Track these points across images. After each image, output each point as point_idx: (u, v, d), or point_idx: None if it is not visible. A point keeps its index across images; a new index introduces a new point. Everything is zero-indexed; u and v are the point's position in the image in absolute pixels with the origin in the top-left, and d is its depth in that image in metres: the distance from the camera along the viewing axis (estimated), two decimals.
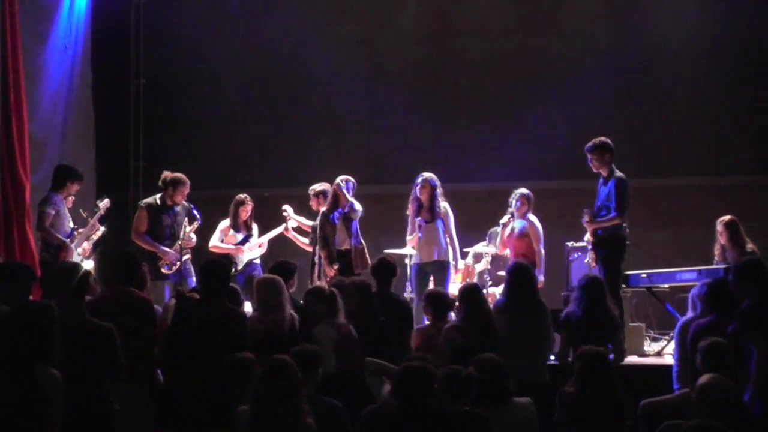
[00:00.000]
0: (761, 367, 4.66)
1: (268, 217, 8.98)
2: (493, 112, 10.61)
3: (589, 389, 4.74)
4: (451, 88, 10.77)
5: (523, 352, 5.76)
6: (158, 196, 8.09)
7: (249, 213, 8.64)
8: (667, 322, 7.97)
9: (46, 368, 3.96)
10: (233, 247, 8.55)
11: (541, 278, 7.95)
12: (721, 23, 10.14)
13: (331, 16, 11.03)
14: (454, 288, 7.64)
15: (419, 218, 8.03)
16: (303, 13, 11.01)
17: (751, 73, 10.12)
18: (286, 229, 8.79)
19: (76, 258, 7.67)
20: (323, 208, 8.20)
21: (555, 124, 10.34)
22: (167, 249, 7.90)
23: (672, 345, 6.74)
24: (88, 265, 7.63)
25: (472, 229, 8.95)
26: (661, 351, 7.64)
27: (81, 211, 8.15)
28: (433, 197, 8.04)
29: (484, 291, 7.26)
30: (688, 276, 7.73)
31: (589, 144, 7.58)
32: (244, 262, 8.55)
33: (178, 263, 7.85)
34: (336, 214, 8.07)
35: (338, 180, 8.11)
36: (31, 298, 5.21)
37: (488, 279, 8.46)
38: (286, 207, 8.83)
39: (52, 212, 7.70)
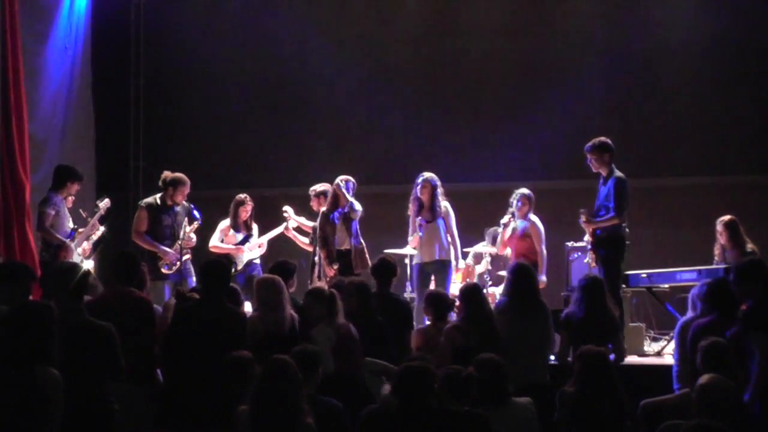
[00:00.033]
0: (763, 368, 4.65)
1: (268, 217, 8.97)
2: (493, 112, 10.61)
3: (589, 389, 4.74)
4: (451, 88, 10.76)
5: (525, 352, 5.77)
6: (158, 196, 8.09)
7: (249, 213, 8.64)
8: (667, 322, 7.97)
9: (46, 368, 3.97)
10: (233, 247, 8.55)
11: (543, 278, 7.96)
12: (721, 23, 10.14)
13: (331, 16, 11.03)
14: (455, 288, 7.64)
15: (420, 218, 8.04)
16: (303, 13, 11.01)
17: (751, 73, 10.11)
18: (287, 228, 8.79)
19: (76, 258, 7.67)
20: (323, 208, 8.21)
21: (555, 124, 10.33)
22: (167, 249, 7.90)
23: (672, 345, 6.74)
24: (88, 265, 7.63)
25: (472, 229, 8.95)
26: (661, 351, 7.64)
27: (81, 211, 8.14)
28: (433, 197, 8.04)
29: (485, 291, 7.26)
30: (688, 276, 7.73)
31: (589, 144, 7.58)
32: (244, 262, 8.55)
33: (178, 263, 7.85)
34: (336, 214, 8.07)
35: (338, 180, 8.11)
36: (30, 298, 5.21)
37: (488, 279, 8.47)
38: (286, 208, 8.83)
39: (52, 212, 7.70)
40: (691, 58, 10.28)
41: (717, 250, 7.90)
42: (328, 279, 7.71)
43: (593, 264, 7.58)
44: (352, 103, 10.87)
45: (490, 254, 8.70)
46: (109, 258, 7.28)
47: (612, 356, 5.78)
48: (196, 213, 7.99)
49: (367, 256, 7.99)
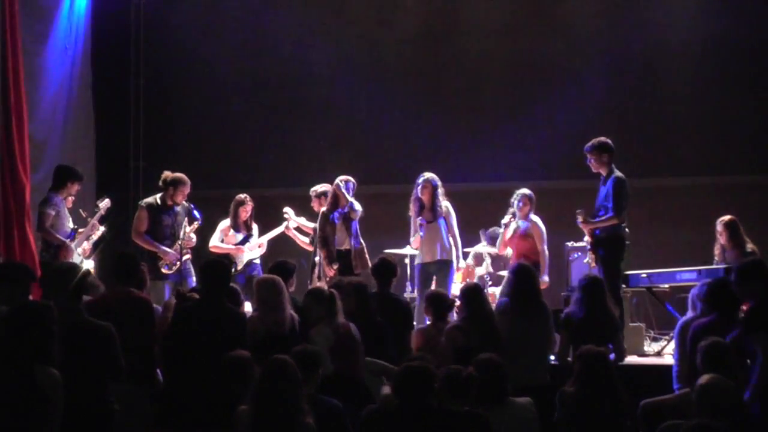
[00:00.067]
0: (765, 369, 4.65)
1: (268, 217, 8.97)
2: (493, 112, 10.61)
3: (589, 389, 4.74)
4: (451, 88, 10.76)
5: (526, 353, 5.78)
6: (158, 196, 8.09)
7: (249, 213, 8.64)
8: (667, 322, 7.97)
9: (46, 368, 3.97)
10: (233, 247, 8.55)
11: (545, 279, 7.97)
12: (722, 23, 10.14)
13: (331, 16, 11.03)
14: (456, 288, 7.64)
15: (421, 218, 8.04)
16: (303, 13, 11.01)
17: (751, 73, 10.12)
18: (287, 228, 8.79)
19: (76, 258, 7.67)
20: (323, 209, 8.21)
21: (555, 124, 10.33)
22: (167, 249, 7.90)
23: (672, 345, 6.74)
24: (88, 265, 7.63)
25: (472, 229, 8.95)
26: (661, 351, 7.64)
27: (81, 211, 8.14)
28: (434, 197, 8.03)
29: (485, 291, 7.26)
30: (688, 276, 7.73)
31: (588, 144, 7.59)
32: (244, 262, 8.54)
33: (178, 263, 7.85)
34: (336, 214, 8.07)
35: (338, 180, 8.11)
36: (30, 298, 5.21)
37: (488, 279, 8.47)
38: (287, 209, 8.82)
39: (52, 213, 7.70)
40: (691, 58, 10.29)
41: (717, 250, 7.90)
42: (328, 279, 7.71)
43: (593, 264, 7.58)
44: (352, 103, 10.87)
45: (490, 254, 8.71)
46: (109, 258, 7.28)
47: (612, 356, 5.78)
48: (196, 213, 7.99)
49: (366, 256, 7.99)
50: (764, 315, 4.78)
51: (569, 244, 8.44)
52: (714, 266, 7.74)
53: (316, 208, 8.50)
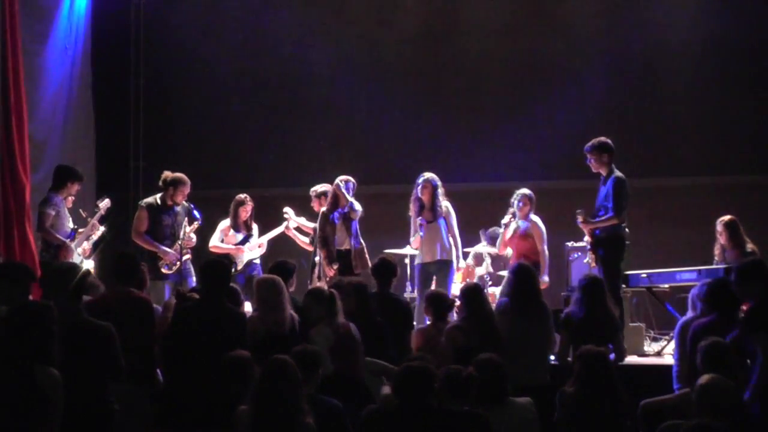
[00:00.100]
0: (765, 369, 4.65)
1: (268, 217, 8.97)
2: (493, 112, 10.61)
3: (589, 389, 4.74)
4: (451, 88, 10.76)
5: (526, 353, 5.78)
6: (158, 196, 8.09)
7: (249, 213, 8.64)
8: (667, 322, 7.97)
9: (46, 368, 3.97)
10: (233, 247, 8.55)
11: (546, 279, 7.97)
12: (722, 23, 10.14)
13: (331, 16, 11.03)
14: (456, 288, 7.64)
15: (421, 218, 8.03)
16: (303, 13, 11.01)
17: (751, 73, 10.12)
18: (287, 228, 8.79)
19: (76, 258, 7.67)
20: (323, 209, 8.21)
21: (555, 123, 10.33)
22: (167, 249, 7.90)
23: (672, 345, 6.74)
24: (88, 265, 7.63)
25: (472, 230, 8.95)
26: (661, 351, 7.64)
27: (81, 211, 8.14)
28: (434, 197, 8.03)
29: (485, 291, 7.26)
30: (688, 276, 7.73)
31: (588, 144, 7.58)
32: (244, 262, 8.54)
33: (178, 263, 7.85)
34: (336, 214, 8.07)
35: (338, 180, 8.11)
36: (30, 298, 5.21)
37: (488, 279, 8.46)
38: (287, 209, 8.82)
39: (53, 213, 7.70)
40: (691, 58, 10.29)
41: (717, 250, 7.89)
42: (327, 279, 7.71)
43: (593, 264, 7.58)
44: (352, 103, 10.87)
45: (489, 254, 8.71)
46: (109, 258, 7.28)
47: (612, 356, 5.78)
48: (196, 213, 7.99)
49: (366, 256, 7.99)
50: (764, 315, 4.78)
51: (569, 244, 8.44)
52: (714, 266, 7.74)
53: (316, 208, 8.50)
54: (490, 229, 8.90)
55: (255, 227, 8.71)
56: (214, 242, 8.58)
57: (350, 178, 8.17)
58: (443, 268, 8.03)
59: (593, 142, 7.55)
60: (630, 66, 10.45)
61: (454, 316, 6.21)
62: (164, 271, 7.89)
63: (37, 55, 9.35)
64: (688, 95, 10.24)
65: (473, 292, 6.02)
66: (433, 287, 7.64)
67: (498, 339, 5.72)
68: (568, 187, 9.76)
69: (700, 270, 7.67)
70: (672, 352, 6.37)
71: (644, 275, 7.94)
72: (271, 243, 8.81)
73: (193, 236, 8.02)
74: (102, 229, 8.06)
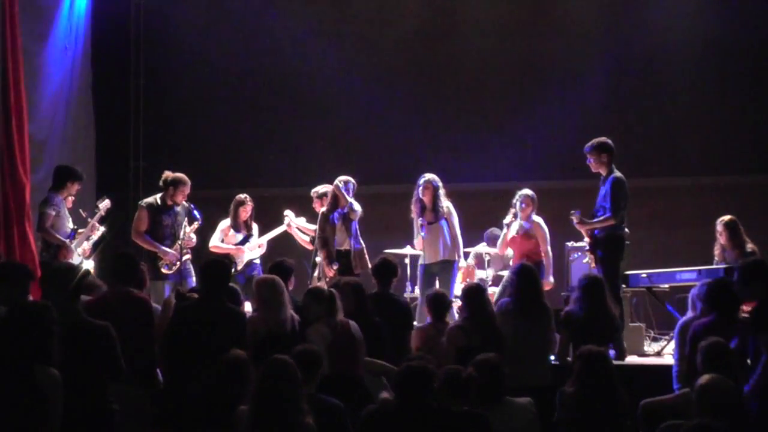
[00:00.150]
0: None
1: (268, 217, 8.97)
2: (494, 112, 10.60)
3: (589, 389, 4.73)
4: (450, 88, 10.76)
5: (527, 353, 5.78)
6: (159, 196, 8.09)
7: (249, 213, 8.64)
8: (667, 322, 7.97)
9: (45, 368, 3.97)
10: (233, 247, 8.54)
11: (550, 279, 7.98)
12: (722, 23, 10.13)
13: (331, 16, 11.03)
14: (458, 288, 7.63)
15: (422, 219, 8.03)
16: (303, 13, 11.00)
17: (751, 73, 10.12)
18: (289, 225, 8.78)
19: (76, 258, 7.67)
20: (323, 209, 8.21)
21: (555, 124, 10.33)
22: (167, 249, 7.90)
23: (672, 345, 6.74)
24: (88, 265, 7.63)
25: (472, 229, 8.95)
26: (661, 351, 7.64)
27: (81, 211, 8.14)
28: (435, 198, 8.03)
29: (486, 291, 7.25)
30: (688, 276, 7.72)
31: (588, 144, 7.58)
32: (244, 262, 8.54)
33: (178, 263, 7.85)
34: (335, 214, 8.07)
35: (338, 181, 8.11)
36: (30, 298, 5.21)
37: (489, 279, 8.46)
38: (287, 212, 8.82)
39: (53, 213, 7.70)
40: (691, 58, 10.27)
41: (717, 250, 7.89)
42: (327, 279, 7.71)
43: (593, 264, 7.58)
44: (352, 103, 10.86)
45: (489, 254, 8.71)
46: (109, 258, 7.28)
47: (612, 356, 5.78)
48: (196, 213, 7.99)
49: (366, 256, 7.99)
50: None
51: (569, 244, 8.44)
52: (714, 266, 7.74)
53: (317, 209, 8.48)
54: (489, 230, 8.90)
55: (255, 227, 8.71)
56: (214, 242, 8.58)
57: (350, 178, 8.16)
58: (446, 268, 8.02)
59: (593, 142, 7.54)
60: (630, 66, 10.45)
61: (455, 316, 6.20)
62: (164, 271, 7.89)
63: (37, 55, 9.35)
64: (688, 95, 10.24)
65: (474, 293, 6.01)
66: (436, 287, 7.64)
67: (499, 339, 5.72)
68: (568, 187, 9.76)
69: (700, 270, 7.66)
70: (672, 352, 6.37)
71: (644, 275, 7.94)
72: (271, 243, 8.81)
73: (193, 236, 8.02)
74: (102, 229, 8.06)
